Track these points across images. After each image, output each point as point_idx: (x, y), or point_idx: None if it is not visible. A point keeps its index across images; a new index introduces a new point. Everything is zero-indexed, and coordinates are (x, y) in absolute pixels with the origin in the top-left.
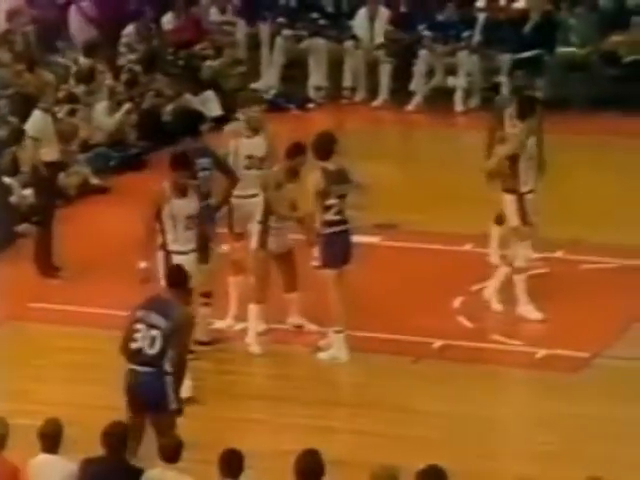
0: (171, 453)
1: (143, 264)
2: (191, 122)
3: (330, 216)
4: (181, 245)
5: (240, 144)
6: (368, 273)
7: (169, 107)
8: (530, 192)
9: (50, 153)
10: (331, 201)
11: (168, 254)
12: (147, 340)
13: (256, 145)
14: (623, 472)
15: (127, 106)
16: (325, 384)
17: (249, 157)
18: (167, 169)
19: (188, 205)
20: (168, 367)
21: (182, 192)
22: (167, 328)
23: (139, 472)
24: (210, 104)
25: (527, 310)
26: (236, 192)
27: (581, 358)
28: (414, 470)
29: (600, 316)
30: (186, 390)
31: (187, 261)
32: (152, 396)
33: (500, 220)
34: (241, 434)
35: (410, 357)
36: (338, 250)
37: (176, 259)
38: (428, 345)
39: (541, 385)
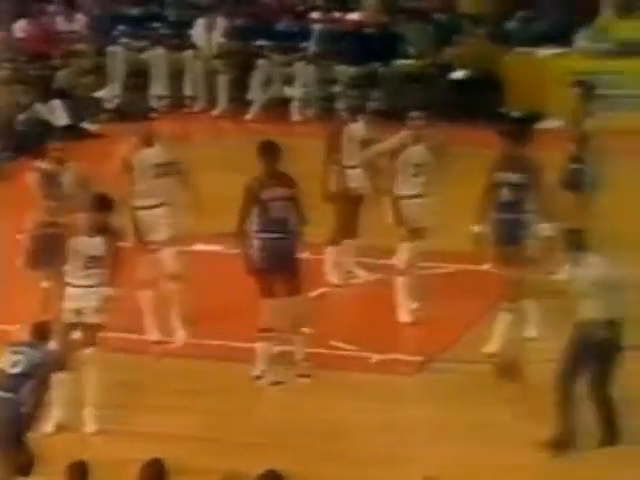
0: (24, 468)
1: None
2: (40, 131)
3: None
4: (76, 280)
5: (142, 155)
6: (207, 282)
7: (22, 116)
8: (416, 197)
9: None
10: None
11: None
12: (9, 363)
13: (158, 153)
14: (459, 472)
15: None
16: (163, 391)
17: (157, 166)
18: (23, 179)
19: (94, 245)
20: (26, 399)
21: (93, 231)
22: (34, 355)
23: None
24: (57, 113)
25: (403, 310)
26: (142, 203)
27: (416, 362)
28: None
29: (436, 320)
30: None
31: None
32: (7, 428)
33: (334, 241)
34: (86, 444)
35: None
36: None
37: (68, 291)
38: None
39: (378, 389)
